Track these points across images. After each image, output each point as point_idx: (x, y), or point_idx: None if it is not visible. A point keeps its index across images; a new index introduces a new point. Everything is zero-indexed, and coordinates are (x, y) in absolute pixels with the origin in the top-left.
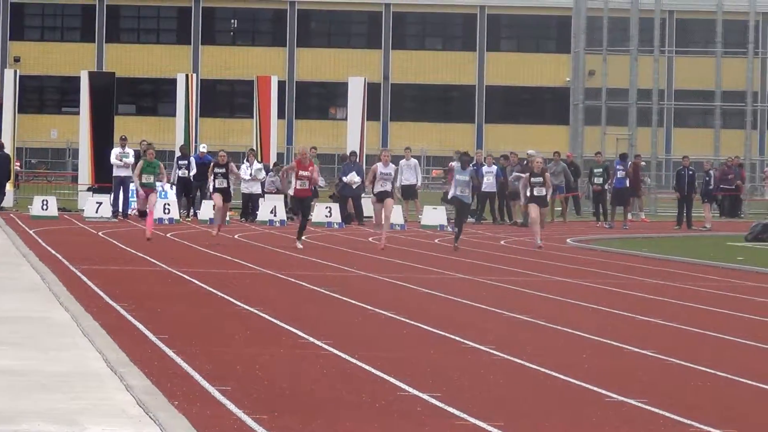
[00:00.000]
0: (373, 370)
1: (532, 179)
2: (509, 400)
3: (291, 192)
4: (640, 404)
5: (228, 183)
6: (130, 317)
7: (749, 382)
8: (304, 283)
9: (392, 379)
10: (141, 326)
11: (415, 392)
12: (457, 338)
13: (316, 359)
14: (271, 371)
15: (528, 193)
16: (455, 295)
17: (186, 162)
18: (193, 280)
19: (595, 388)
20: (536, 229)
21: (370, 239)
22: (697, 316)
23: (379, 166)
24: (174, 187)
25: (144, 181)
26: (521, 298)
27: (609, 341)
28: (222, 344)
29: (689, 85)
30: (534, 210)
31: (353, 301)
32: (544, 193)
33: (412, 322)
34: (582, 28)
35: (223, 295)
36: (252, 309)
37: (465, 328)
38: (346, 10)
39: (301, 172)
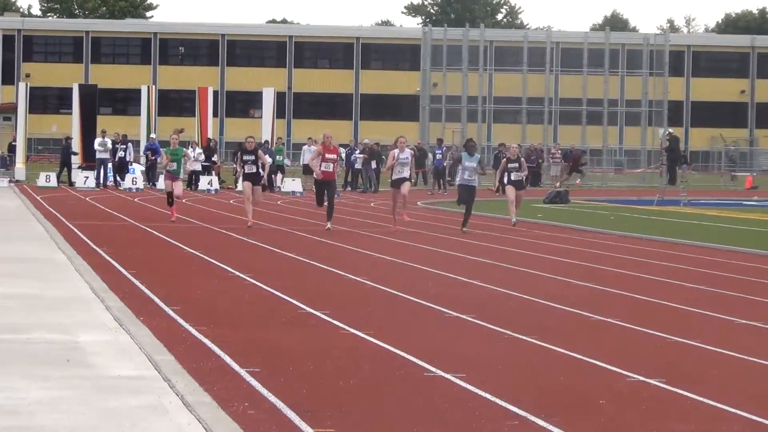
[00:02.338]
0: (282, 295)
1: (509, 165)
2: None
3: (316, 176)
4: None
5: (257, 168)
6: (108, 258)
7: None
8: (232, 234)
9: (294, 301)
10: (116, 264)
11: (311, 310)
12: (336, 270)
13: (242, 288)
14: (210, 295)
15: (505, 178)
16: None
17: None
18: (154, 232)
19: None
20: (512, 209)
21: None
22: (508, 255)
23: (396, 152)
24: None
25: (168, 168)
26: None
27: (428, 268)
28: (174, 277)
29: (504, 93)
30: (511, 192)
31: (270, 248)
32: (521, 177)
33: (305, 260)
34: (428, 53)
35: (175, 242)
36: (196, 252)
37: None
38: (261, 40)
39: (327, 155)
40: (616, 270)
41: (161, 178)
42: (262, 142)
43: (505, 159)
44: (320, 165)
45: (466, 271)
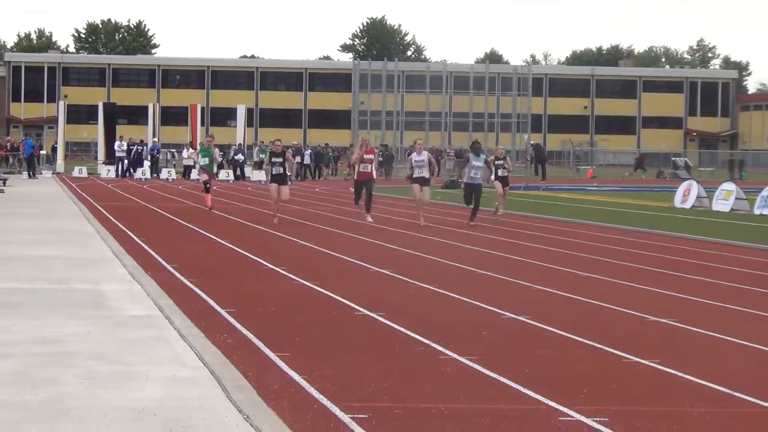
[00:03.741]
0: (251, 255)
1: (496, 162)
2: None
3: (355, 177)
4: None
5: (284, 169)
6: (124, 228)
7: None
8: (214, 211)
9: (260, 260)
10: (130, 233)
11: (272, 266)
12: (290, 237)
13: (222, 251)
14: (199, 256)
15: (492, 175)
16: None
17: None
18: (158, 210)
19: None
20: (500, 200)
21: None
22: (408, 239)
23: (414, 155)
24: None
25: (201, 163)
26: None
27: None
28: (174, 244)
29: (412, 108)
30: (498, 187)
31: (232, 217)
32: (506, 174)
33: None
34: (357, 80)
35: (173, 217)
36: (188, 224)
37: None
38: (235, 70)
39: (365, 156)
40: (495, 238)
41: (164, 171)
42: (237, 145)
43: (492, 157)
44: (358, 167)
45: (393, 241)
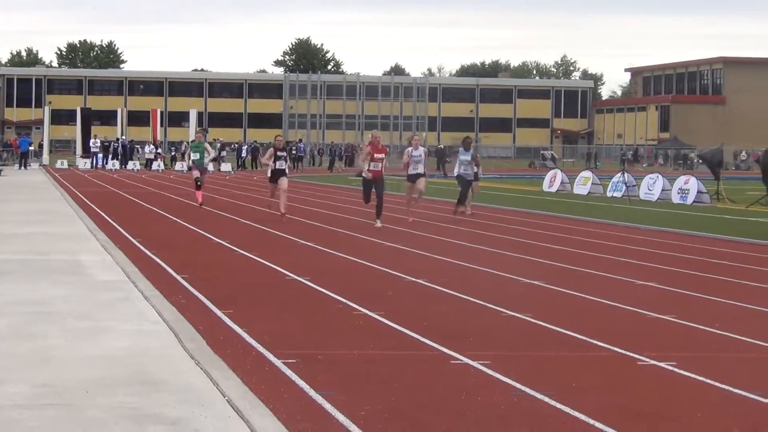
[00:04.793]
0: (202, 231)
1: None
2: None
3: (365, 175)
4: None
5: (285, 163)
6: (98, 209)
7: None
8: (173, 196)
9: (209, 235)
10: (103, 213)
11: (219, 240)
12: (235, 217)
13: (179, 228)
14: (160, 232)
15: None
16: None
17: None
18: (125, 195)
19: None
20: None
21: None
22: (328, 218)
23: (410, 150)
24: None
25: (193, 158)
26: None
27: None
28: (138, 222)
29: (332, 112)
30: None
31: (192, 201)
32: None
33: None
34: (287, 89)
35: (138, 201)
36: (152, 207)
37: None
38: (188, 81)
39: (376, 155)
40: (403, 217)
41: (130, 163)
42: (189, 141)
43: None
44: (369, 165)
45: (321, 220)
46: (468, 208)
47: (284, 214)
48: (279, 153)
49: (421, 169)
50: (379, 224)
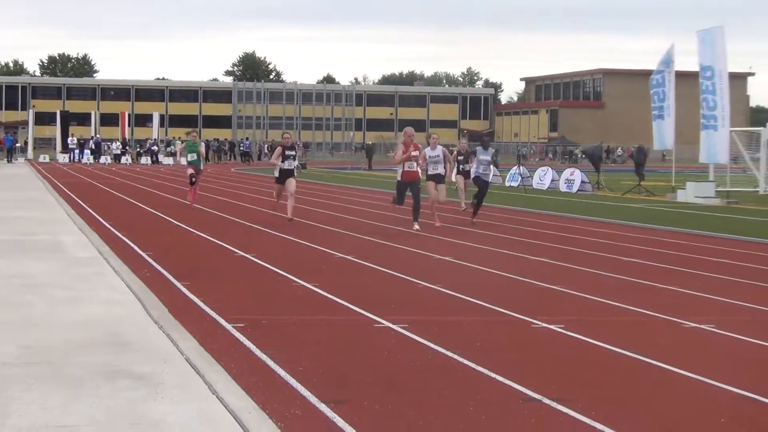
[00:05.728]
0: (164, 216)
1: (459, 157)
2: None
3: (399, 177)
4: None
5: (294, 163)
6: (75, 197)
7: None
8: (139, 185)
9: (171, 219)
10: (79, 201)
11: (178, 223)
12: (196, 205)
13: (145, 213)
14: (129, 217)
15: (455, 170)
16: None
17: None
18: (98, 184)
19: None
20: (461, 195)
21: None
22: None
23: (428, 150)
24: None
25: (189, 159)
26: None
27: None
28: (110, 208)
29: (274, 114)
30: (460, 181)
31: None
32: (469, 168)
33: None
34: (236, 95)
35: (110, 190)
36: (121, 195)
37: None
38: (152, 88)
39: (412, 153)
40: (348, 204)
41: (102, 158)
42: (152, 139)
43: (456, 152)
44: (403, 165)
45: (268, 206)
46: (463, 203)
47: (292, 218)
48: (288, 152)
49: (440, 170)
50: (417, 227)
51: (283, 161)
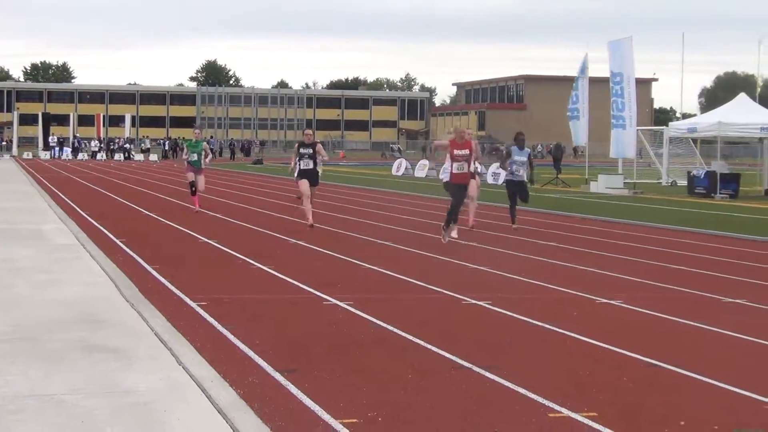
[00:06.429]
0: (134, 206)
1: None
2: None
3: (446, 178)
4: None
5: (314, 163)
6: (55, 189)
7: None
8: (111, 178)
9: (139, 208)
10: (59, 193)
11: (146, 212)
12: (161, 195)
13: (117, 204)
14: (102, 207)
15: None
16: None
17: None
18: (75, 178)
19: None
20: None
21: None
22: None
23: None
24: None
25: (190, 159)
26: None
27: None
28: (86, 199)
29: (233, 116)
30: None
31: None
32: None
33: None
34: (199, 98)
35: (87, 183)
36: (96, 187)
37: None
38: (124, 93)
39: (456, 152)
40: (285, 194)
41: (80, 154)
42: (124, 139)
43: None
44: (452, 166)
45: (225, 196)
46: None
47: (313, 224)
48: (302, 150)
49: (465, 168)
50: (454, 234)
51: (299, 159)
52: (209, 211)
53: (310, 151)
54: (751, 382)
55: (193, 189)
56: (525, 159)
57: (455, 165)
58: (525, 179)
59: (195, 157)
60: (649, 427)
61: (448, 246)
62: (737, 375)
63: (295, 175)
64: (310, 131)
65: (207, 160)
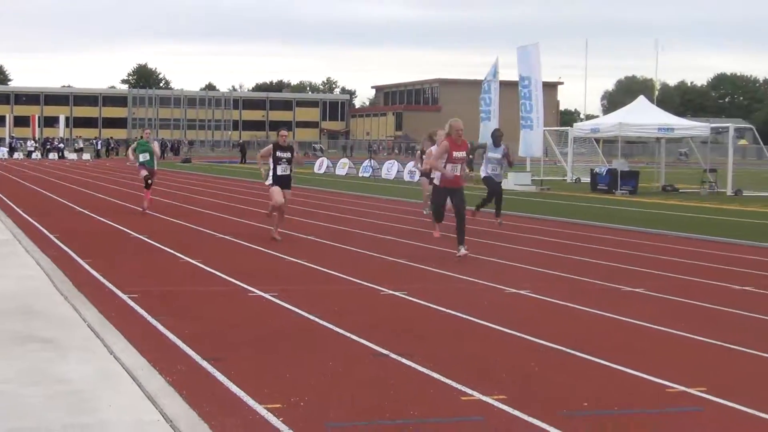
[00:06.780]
0: (73, 205)
1: (423, 156)
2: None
3: (436, 181)
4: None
5: (290, 169)
6: (28, 183)
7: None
8: (56, 180)
9: (78, 207)
10: (9, 202)
11: (85, 211)
12: (100, 195)
13: (56, 204)
14: (42, 207)
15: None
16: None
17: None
18: (15, 178)
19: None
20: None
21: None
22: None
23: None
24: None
25: (141, 159)
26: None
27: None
28: (22, 197)
29: (164, 117)
30: (425, 183)
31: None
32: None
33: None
34: (131, 99)
35: (26, 183)
36: (38, 189)
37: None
38: (58, 95)
39: (455, 154)
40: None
41: (15, 154)
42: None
43: (419, 152)
44: (446, 167)
45: (155, 193)
46: (425, 210)
47: (279, 240)
48: (279, 154)
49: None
50: (463, 251)
51: (275, 165)
52: (142, 208)
53: (289, 155)
54: (648, 366)
55: (149, 182)
56: (500, 156)
57: (449, 166)
58: (501, 179)
59: (147, 156)
60: (554, 408)
61: (369, 241)
62: (636, 359)
63: (268, 181)
64: (285, 133)
65: (156, 157)
